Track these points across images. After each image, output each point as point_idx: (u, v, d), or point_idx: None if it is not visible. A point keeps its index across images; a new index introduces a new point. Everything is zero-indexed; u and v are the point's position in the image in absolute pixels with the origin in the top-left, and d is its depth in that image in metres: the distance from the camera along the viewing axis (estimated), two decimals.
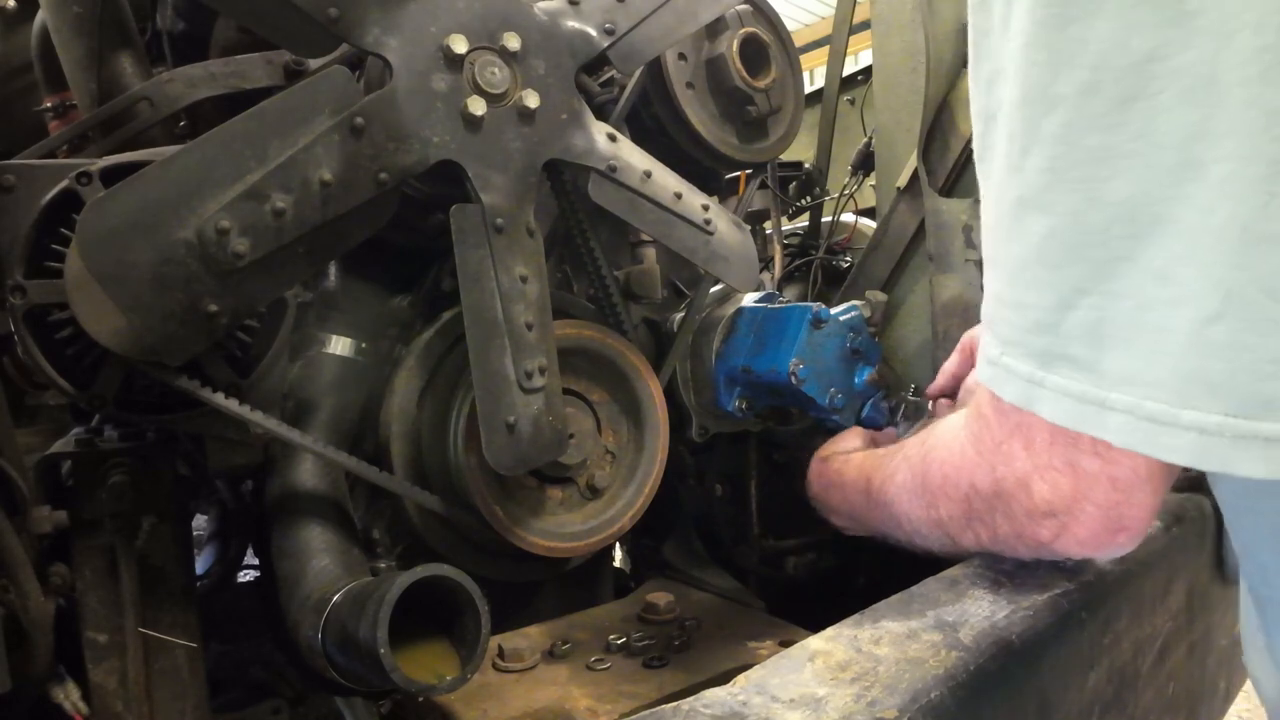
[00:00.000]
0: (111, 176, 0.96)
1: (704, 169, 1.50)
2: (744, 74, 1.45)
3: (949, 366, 1.32)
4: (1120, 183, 0.61)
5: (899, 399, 1.44)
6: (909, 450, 1.05)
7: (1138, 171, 0.60)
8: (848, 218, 2.07)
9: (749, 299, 1.48)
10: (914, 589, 0.90)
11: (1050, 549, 0.85)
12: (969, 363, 1.29)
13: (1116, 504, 0.76)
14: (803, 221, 2.20)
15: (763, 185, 1.76)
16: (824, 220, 2.12)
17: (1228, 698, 1.42)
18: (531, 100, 1.05)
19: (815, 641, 0.77)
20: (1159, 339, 0.60)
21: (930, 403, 1.37)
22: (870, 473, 1.16)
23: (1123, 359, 0.62)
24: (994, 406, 0.82)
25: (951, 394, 1.33)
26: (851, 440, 1.37)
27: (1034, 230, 0.67)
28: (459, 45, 0.99)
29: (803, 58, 1.60)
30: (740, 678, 0.70)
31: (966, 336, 1.31)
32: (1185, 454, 0.59)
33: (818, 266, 1.98)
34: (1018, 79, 0.66)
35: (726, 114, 1.49)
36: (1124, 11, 0.59)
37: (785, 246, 2.02)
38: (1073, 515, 0.79)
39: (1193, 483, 1.20)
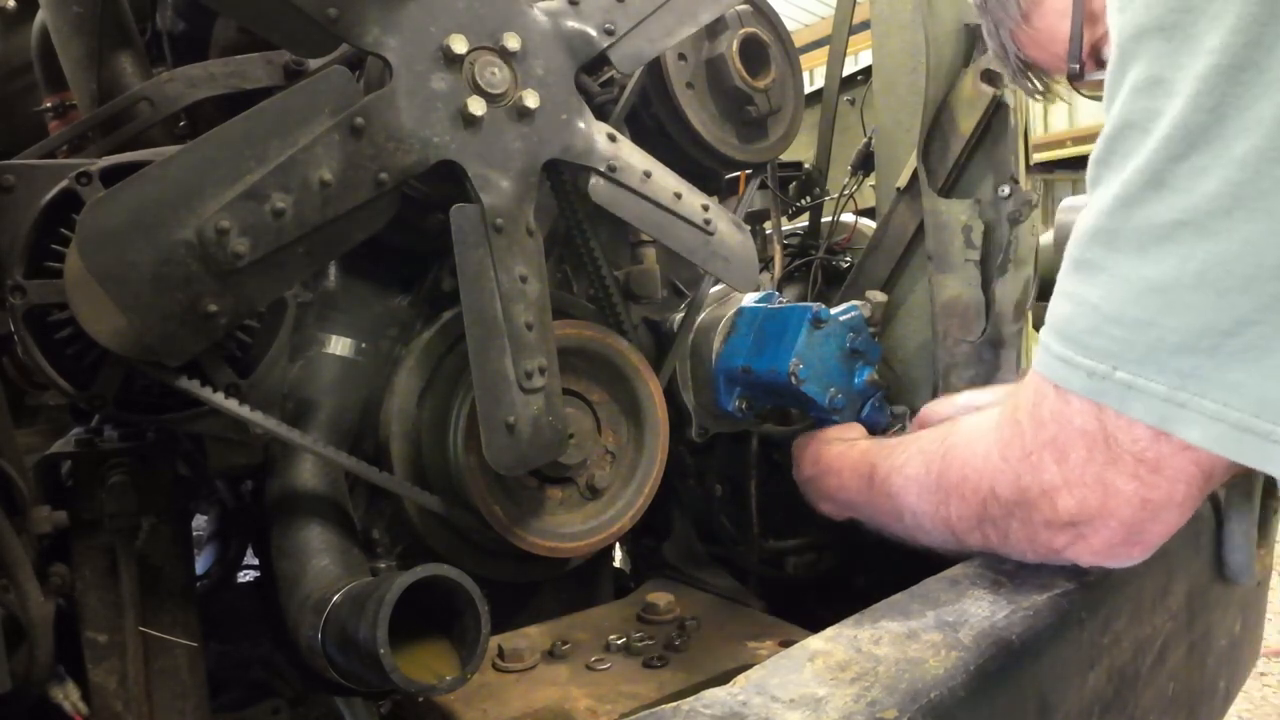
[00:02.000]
0: (111, 176, 0.96)
1: (704, 169, 1.50)
2: (744, 74, 1.45)
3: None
4: None
5: (901, 410, 1.45)
6: (925, 444, 1.04)
7: None
8: (848, 218, 2.07)
9: (749, 299, 1.48)
10: (914, 589, 0.90)
11: (1061, 557, 0.84)
12: None
13: (1141, 522, 0.76)
14: (803, 221, 2.19)
15: (763, 185, 1.76)
16: (824, 220, 2.12)
17: (1228, 698, 1.42)
18: (531, 100, 1.05)
19: (815, 641, 0.77)
20: None
21: None
22: (876, 460, 1.16)
23: None
24: (1032, 415, 0.81)
25: None
26: (853, 432, 1.37)
27: (1196, 255, 0.64)
28: (459, 45, 0.99)
29: (803, 58, 1.59)
30: (740, 678, 0.70)
31: (924, 411, 1.31)
32: None
33: (818, 266, 1.98)
34: (1206, 98, 0.63)
35: (726, 114, 1.49)
36: None
37: (785, 246, 2.02)
38: (1093, 527, 0.79)
39: None
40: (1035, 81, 1.12)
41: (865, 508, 1.18)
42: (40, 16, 1.26)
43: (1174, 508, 0.75)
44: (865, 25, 1.83)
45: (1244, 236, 0.62)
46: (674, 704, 0.66)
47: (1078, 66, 0.95)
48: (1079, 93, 1.02)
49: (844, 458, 1.26)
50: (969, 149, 1.55)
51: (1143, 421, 0.70)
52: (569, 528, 1.22)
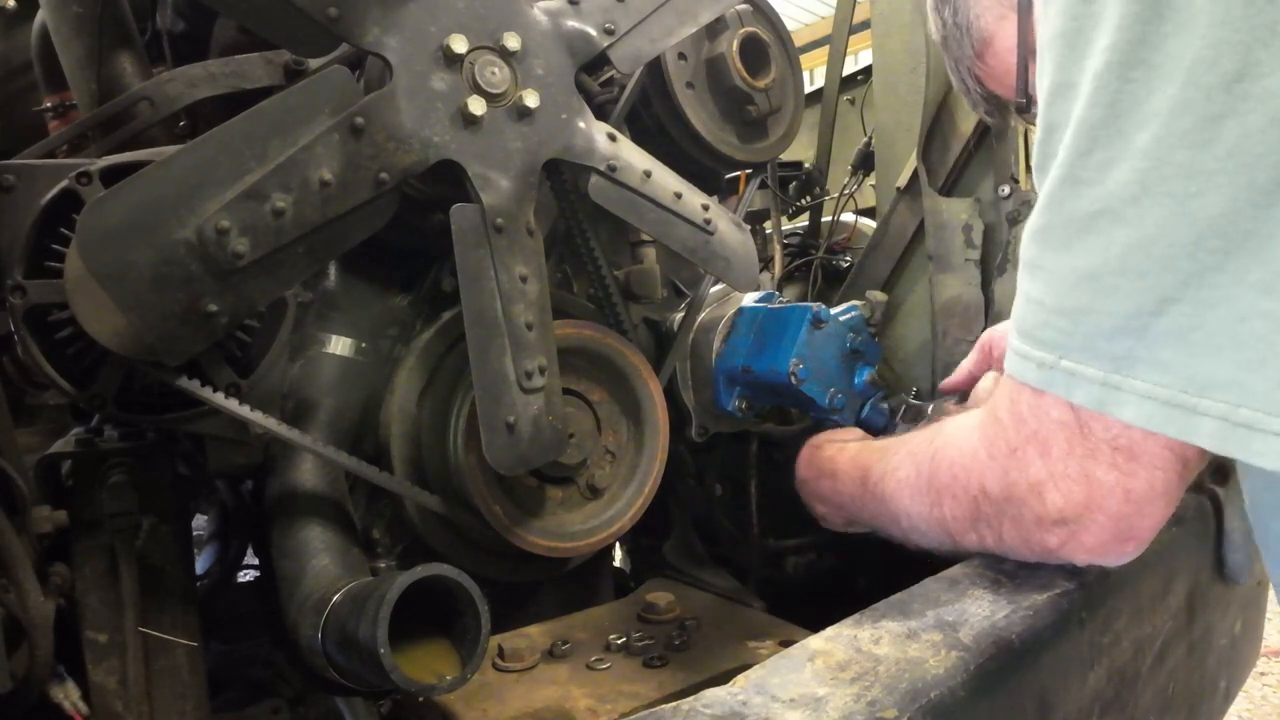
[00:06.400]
0: (111, 176, 0.96)
1: (704, 169, 1.50)
2: (744, 74, 1.45)
3: (966, 364, 1.32)
4: (1211, 199, 0.62)
5: (899, 400, 1.44)
6: (915, 446, 1.04)
7: (1228, 190, 0.61)
8: (848, 218, 2.08)
9: (749, 299, 1.48)
10: (914, 589, 0.90)
11: (1056, 556, 0.84)
12: (986, 362, 1.29)
13: (1128, 515, 0.77)
14: (803, 221, 2.20)
15: (763, 185, 1.76)
16: (824, 220, 2.12)
17: (1228, 698, 1.42)
18: (531, 100, 1.05)
19: (815, 641, 0.77)
20: (1262, 350, 0.62)
21: (929, 407, 1.37)
22: (869, 464, 1.16)
23: (1216, 365, 0.64)
24: (1011, 411, 0.82)
25: (964, 394, 1.32)
26: (848, 435, 1.37)
27: (1116, 241, 0.68)
28: (459, 45, 0.99)
29: (803, 58, 1.59)
30: (740, 678, 0.70)
31: (985, 336, 1.31)
32: (1272, 458, 0.62)
33: (818, 266, 1.98)
34: (1103, 94, 0.67)
35: (726, 114, 1.49)
36: (1214, 29, 0.60)
37: (785, 246, 2.02)
38: (1082, 524, 0.79)
39: (1193, 483, 1.20)
40: (998, 113, 1.17)
41: (861, 511, 1.18)
42: (40, 16, 1.26)
43: (1157, 498, 0.76)
44: (865, 25, 1.83)
45: (1154, 220, 0.66)
46: (674, 704, 0.66)
47: (1024, 100, 1.01)
48: (1028, 124, 1.07)
49: (835, 460, 1.26)
50: (969, 149, 1.55)
51: (1085, 407, 0.73)
52: (569, 527, 1.22)
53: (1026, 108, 1.00)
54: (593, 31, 1.12)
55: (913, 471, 1.02)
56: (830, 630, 0.80)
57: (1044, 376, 0.76)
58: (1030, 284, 0.77)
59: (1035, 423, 0.79)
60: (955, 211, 1.52)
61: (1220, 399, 0.64)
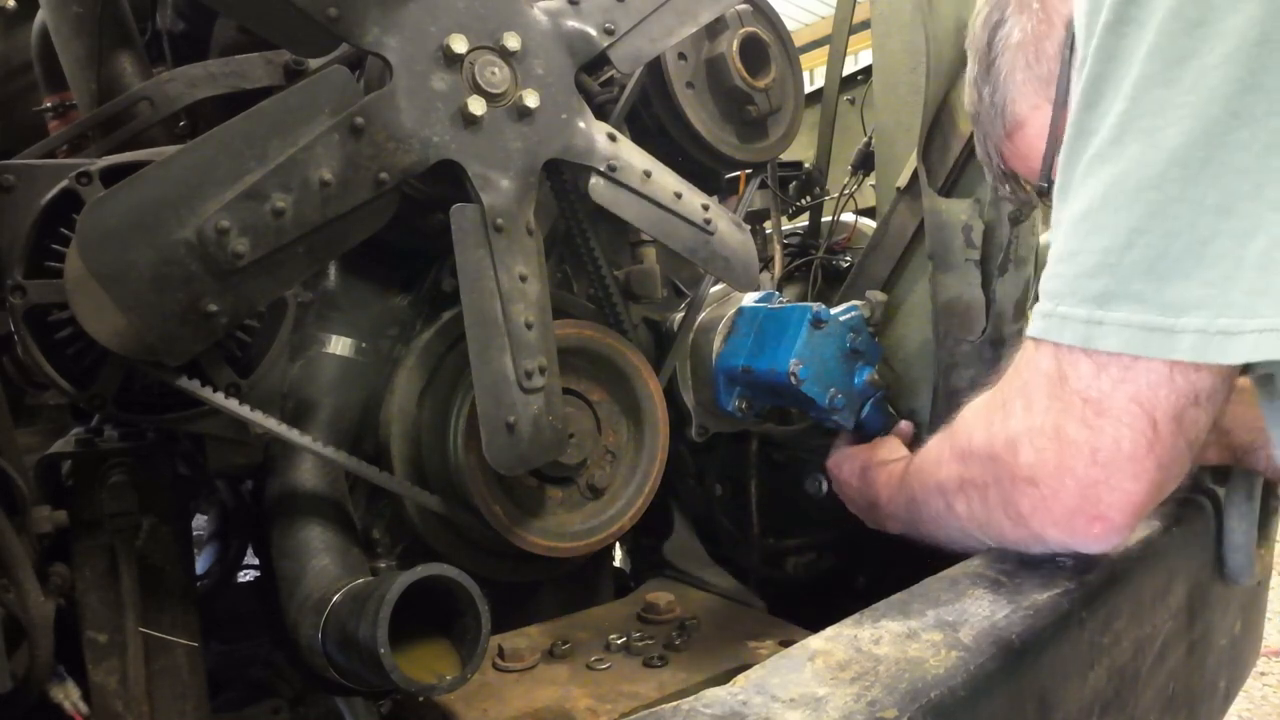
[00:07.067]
0: (111, 176, 0.96)
1: (704, 169, 1.50)
2: (744, 74, 1.45)
3: None
4: (1173, 131, 0.68)
5: None
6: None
7: (1188, 121, 0.67)
8: (848, 218, 2.07)
9: (749, 299, 1.48)
10: (914, 589, 0.90)
11: (1028, 525, 0.86)
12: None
13: (1095, 482, 0.78)
14: (803, 221, 2.19)
15: (763, 185, 1.76)
16: (824, 220, 2.11)
17: (1228, 697, 1.42)
18: (531, 100, 1.05)
19: (815, 641, 0.77)
20: (1229, 266, 0.66)
21: None
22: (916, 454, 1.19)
23: (1187, 289, 0.68)
24: (1014, 368, 0.86)
25: None
26: (891, 449, 1.37)
27: (1102, 180, 0.73)
28: (459, 45, 0.99)
29: (803, 58, 1.59)
30: (740, 678, 0.70)
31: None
32: (1248, 353, 0.66)
33: (818, 266, 1.98)
34: (1103, 51, 0.73)
35: (726, 114, 1.49)
36: None
37: (785, 246, 2.02)
38: (1051, 488, 0.81)
39: (1193, 483, 1.20)
40: (1015, 187, 1.22)
41: (901, 493, 1.19)
42: (40, 16, 1.26)
43: (1124, 463, 0.76)
44: (865, 25, 1.83)
45: (1130, 155, 0.71)
46: (674, 704, 0.66)
47: (1045, 184, 1.06)
48: (1044, 205, 1.14)
49: (893, 472, 1.27)
50: (969, 149, 1.55)
51: (1074, 346, 0.76)
52: (569, 528, 1.22)
53: (1047, 191, 1.05)
54: (593, 31, 1.12)
55: (937, 439, 1.06)
56: (830, 630, 0.80)
57: (1043, 325, 0.79)
58: (1052, 244, 0.81)
59: (1027, 374, 0.83)
60: (955, 211, 1.52)
61: (1197, 316, 0.68)
